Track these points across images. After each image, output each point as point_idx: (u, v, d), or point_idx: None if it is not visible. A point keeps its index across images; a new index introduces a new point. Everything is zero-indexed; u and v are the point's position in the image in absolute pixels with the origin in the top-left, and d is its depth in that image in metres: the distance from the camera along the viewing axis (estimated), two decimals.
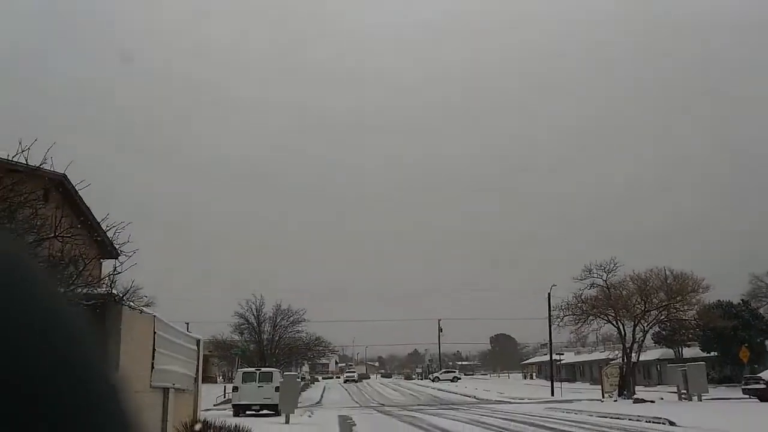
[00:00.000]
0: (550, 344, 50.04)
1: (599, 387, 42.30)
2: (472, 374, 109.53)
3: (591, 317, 41.34)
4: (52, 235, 8.64)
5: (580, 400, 38.16)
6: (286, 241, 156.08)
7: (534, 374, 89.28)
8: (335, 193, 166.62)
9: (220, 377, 66.50)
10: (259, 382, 29.38)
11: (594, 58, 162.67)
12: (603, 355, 63.35)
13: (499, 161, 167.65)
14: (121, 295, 9.21)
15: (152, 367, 11.14)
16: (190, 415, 14.34)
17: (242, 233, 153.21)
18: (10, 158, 8.34)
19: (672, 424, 21.50)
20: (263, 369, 32.24)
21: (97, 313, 8.98)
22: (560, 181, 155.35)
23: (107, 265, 14.03)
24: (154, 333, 11.25)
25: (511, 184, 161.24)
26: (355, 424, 24.38)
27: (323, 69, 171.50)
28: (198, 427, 12.59)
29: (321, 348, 64.60)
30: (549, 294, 45.81)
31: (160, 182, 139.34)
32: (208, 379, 42.43)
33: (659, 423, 22.24)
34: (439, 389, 62.93)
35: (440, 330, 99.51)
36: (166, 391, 12.31)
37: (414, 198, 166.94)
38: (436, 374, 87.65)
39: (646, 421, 22.93)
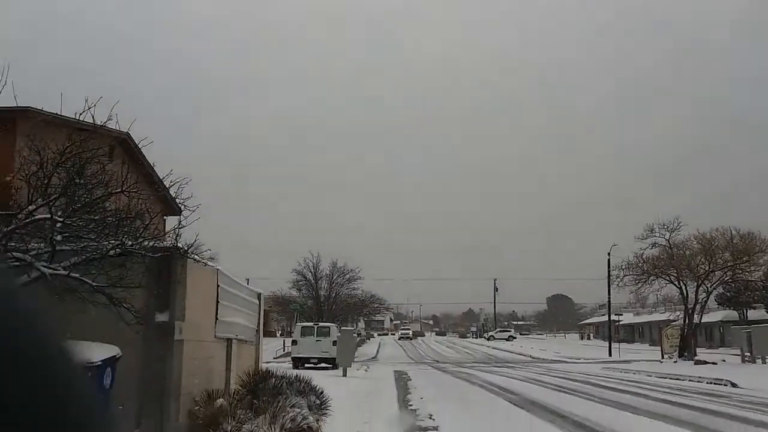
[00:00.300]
0: (609, 304, 49.40)
1: (658, 348, 41.66)
2: (528, 334, 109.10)
3: (652, 277, 40.47)
4: (119, 190, 8.94)
5: (639, 360, 37.71)
6: (345, 199, 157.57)
7: (591, 335, 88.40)
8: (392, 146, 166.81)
9: (279, 332, 68.33)
10: (317, 336, 29.99)
11: None
12: (663, 317, 61.97)
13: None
14: (186, 248, 9.48)
15: (216, 319, 11.52)
16: (252, 366, 14.83)
17: (301, 192, 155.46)
18: (77, 116, 8.61)
19: (734, 385, 21.08)
20: (321, 324, 32.81)
21: (164, 265, 9.31)
22: (622, 139, 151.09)
23: (170, 222, 14.52)
24: (218, 286, 11.59)
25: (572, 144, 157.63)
26: (410, 379, 24.75)
27: None
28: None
29: (376, 305, 65.69)
30: (609, 253, 45.03)
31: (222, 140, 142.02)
32: (268, 333, 43.65)
33: (720, 384, 21.84)
34: (494, 348, 63.20)
35: (496, 290, 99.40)
36: (229, 341, 12.74)
37: (473, 158, 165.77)
38: (491, 333, 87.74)
39: (707, 383, 22.54)
